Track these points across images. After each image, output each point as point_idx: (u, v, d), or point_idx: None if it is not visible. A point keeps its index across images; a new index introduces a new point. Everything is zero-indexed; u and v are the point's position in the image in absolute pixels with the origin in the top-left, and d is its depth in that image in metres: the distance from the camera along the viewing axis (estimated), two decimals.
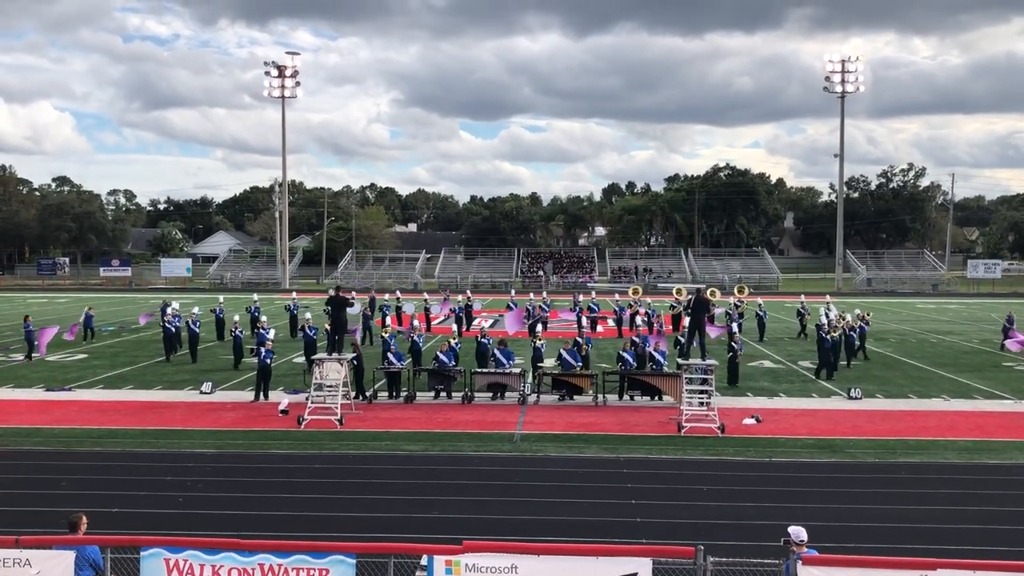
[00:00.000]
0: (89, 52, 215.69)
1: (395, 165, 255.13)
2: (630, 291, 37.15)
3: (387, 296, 40.06)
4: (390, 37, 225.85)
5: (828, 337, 25.22)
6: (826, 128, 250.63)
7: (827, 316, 26.76)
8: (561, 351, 22.67)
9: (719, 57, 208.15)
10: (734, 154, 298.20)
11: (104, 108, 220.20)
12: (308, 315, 29.86)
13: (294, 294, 40.66)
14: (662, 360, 22.32)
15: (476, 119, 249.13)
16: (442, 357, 22.31)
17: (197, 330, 29.09)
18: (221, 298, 38.01)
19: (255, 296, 38.82)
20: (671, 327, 33.73)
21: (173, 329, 29.41)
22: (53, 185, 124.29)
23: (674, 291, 36.58)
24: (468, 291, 46.18)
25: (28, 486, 14.58)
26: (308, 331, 27.14)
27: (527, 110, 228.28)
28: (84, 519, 9.02)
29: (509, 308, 38.98)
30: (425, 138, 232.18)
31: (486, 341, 24.70)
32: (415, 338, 25.45)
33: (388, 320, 27.47)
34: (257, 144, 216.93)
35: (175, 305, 31.83)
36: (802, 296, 38.35)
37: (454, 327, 28.34)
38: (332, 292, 21.59)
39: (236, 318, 29.22)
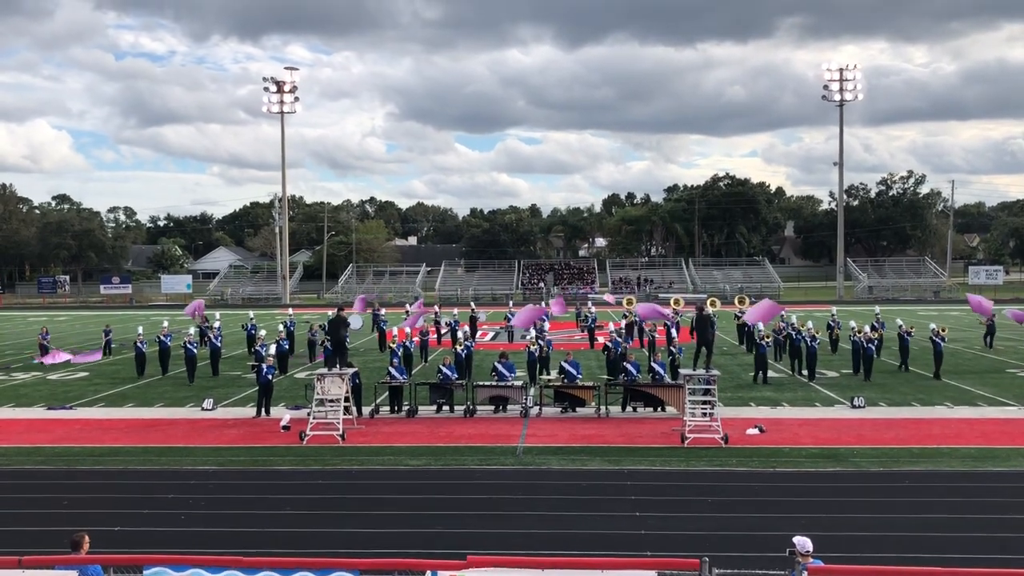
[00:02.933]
0: (83, 70, 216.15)
1: (392, 179, 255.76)
2: (624, 301, 37.12)
3: (384, 311, 39.98)
4: (383, 51, 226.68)
5: (764, 343, 26.67)
6: (822, 136, 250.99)
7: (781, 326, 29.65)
8: (562, 363, 22.63)
9: (711, 67, 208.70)
10: (731, 164, 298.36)
11: (100, 125, 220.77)
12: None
13: (291, 310, 40.60)
14: (662, 372, 22.29)
15: (471, 132, 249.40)
16: (444, 370, 22.33)
17: (219, 344, 29.83)
18: (218, 314, 38.04)
19: (251, 313, 38.81)
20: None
21: (155, 344, 30.27)
22: (53, 203, 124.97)
23: (672, 302, 36.57)
24: (472, 303, 46.12)
25: (30, 505, 14.54)
26: (327, 348, 27.25)
27: (522, 122, 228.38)
28: (86, 538, 8.98)
29: (507, 320, 39.11)
30: (421, 151, 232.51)
31: (468, 343, 25.01)
32: (407, 344, 25.79)
33: (395, 332, 27.70)
34: (254, 159, 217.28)
35: (165, 324, 32.12)
36: (833, 308, 38.48)
37: (460, 334, 28.68)
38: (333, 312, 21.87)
39: (263, 333, 29.61)
